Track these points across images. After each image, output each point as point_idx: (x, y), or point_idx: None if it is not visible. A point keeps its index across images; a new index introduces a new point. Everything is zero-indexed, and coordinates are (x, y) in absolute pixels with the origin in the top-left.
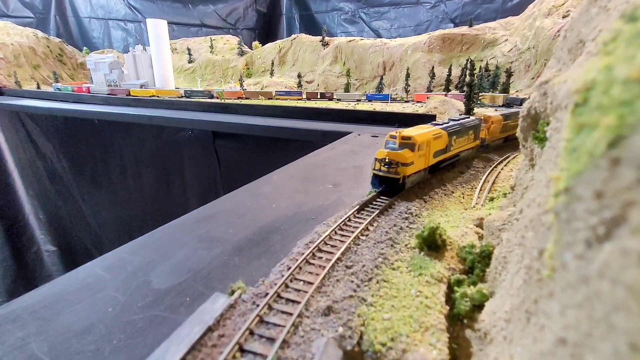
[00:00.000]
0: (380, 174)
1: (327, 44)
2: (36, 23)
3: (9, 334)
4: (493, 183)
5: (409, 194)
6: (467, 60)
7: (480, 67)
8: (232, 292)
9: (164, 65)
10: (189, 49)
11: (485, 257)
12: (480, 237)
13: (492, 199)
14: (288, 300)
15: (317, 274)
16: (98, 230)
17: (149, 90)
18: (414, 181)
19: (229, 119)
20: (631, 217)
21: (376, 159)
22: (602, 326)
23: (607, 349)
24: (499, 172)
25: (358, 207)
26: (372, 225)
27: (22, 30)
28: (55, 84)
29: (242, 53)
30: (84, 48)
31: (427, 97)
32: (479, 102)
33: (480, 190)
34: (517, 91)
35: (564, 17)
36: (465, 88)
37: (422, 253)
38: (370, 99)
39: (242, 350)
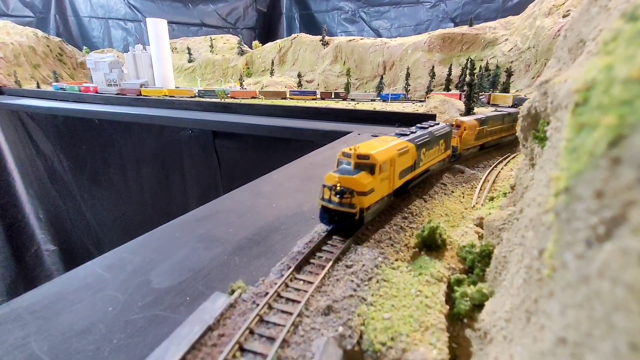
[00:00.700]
0: (331, 206)
1: (327, 43)
2: (36, 22)
3: (9, 333)
4: (493, 182)
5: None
6: (468, 59)
7: (481, 66)
8: (232, 292)
9: (164, 65)
10: (189, 49)
11: (485, 256)
12: (481, 237)
13: (492, 199)
14: (288, 299)
15: (317, 274)
16: (98, 230)
17: (161, 90)
18: (375, 211)
19: (229, 118)
20: (631, 216)
21: (324, 186)
22: (602, 326)
23: (607, 349)
24: (499, 172)
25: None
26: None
27: (22, 29)
28: (56, 83)
29: (242, 52)
30: (84, 47)
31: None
32: (479, 101)
33: (480, 189)
34: (517, 91)
35: (564, 16)
36: (465, 88)
37: (422, 252)
38: (384, 98)
39: (242, 349)
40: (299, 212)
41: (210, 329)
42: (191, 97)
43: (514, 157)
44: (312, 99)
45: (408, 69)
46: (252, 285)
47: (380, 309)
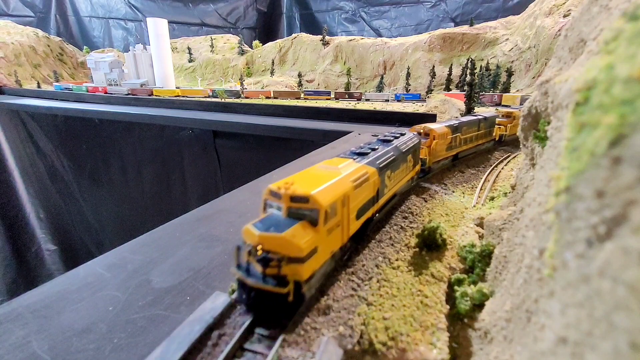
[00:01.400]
0: (249, 281)
1: (328, 43)
2: (36, 22)
3: (10, 332)
4: (493, 182)
5: (409, 194)
6: (468, 59)
7: (481, 66)
8: (233, 291)
9: (165, 65)
10: (189, 48)
11: (486, 256)
12: (481, 237)
13: (492, 198)
14: None
15: None
16: (98, 229)
17: (174, 90)
18: (321, 277)
19: (229, 118)
20: (632, 216)
21: (240, 248)
22: (603, 325)
23: (608, 348)
24: (500, 172)
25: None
26: None
27: (22, 29)
28: (60, 83)
29: (242, 52)
30: (85, 47)
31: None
32: (479, 101)
33: (481, 189)
34: (517, 90)
35: (564, 16)
36: (466, 87)
37: (423, 252)
38: (398, 98)
39: (242, 349)
40: None
41: (210, 328)
42: (205, 97)
43: (514, 157)
44: (327, 99)
45: (408, 68)
46: None
47: (380, 309)
